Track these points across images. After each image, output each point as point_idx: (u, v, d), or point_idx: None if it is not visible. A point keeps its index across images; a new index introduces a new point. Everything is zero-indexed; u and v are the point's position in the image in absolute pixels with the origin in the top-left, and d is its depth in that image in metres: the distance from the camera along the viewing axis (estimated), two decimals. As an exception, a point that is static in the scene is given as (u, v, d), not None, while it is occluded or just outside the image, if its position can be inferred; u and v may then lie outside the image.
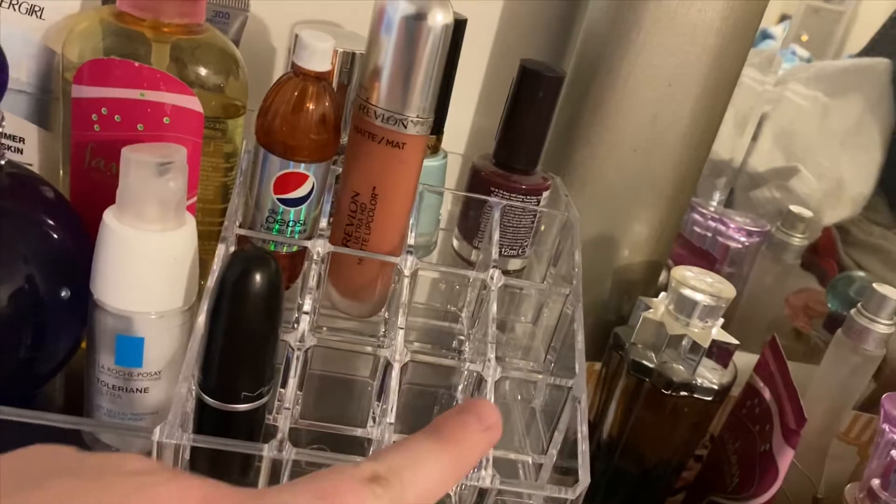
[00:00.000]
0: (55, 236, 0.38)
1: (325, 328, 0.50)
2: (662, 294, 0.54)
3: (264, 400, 0.38)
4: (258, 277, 0.33)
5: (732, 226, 0.75)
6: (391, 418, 0.39)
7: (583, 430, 0.40)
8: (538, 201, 0.50)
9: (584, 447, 0.40)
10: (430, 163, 0.50)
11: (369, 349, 0.43)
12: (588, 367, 0.62)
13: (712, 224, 0.75)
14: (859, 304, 0.57)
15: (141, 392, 0.38)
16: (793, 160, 0.82)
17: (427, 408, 0.52)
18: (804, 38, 0.84)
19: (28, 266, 0.37)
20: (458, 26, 0.47)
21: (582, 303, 0.45)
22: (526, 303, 0.54)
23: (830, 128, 0.83)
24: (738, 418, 0.56)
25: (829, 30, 0.85)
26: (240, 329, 0.35)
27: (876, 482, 0.49)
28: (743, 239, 0.75)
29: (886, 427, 0.48)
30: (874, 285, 0.57)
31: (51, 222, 0.38)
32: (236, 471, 0.39)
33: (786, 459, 0.49)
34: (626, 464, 0.58)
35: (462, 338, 0.56)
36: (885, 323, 0.56)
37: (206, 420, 0.37)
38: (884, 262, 0.80)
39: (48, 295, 0.37)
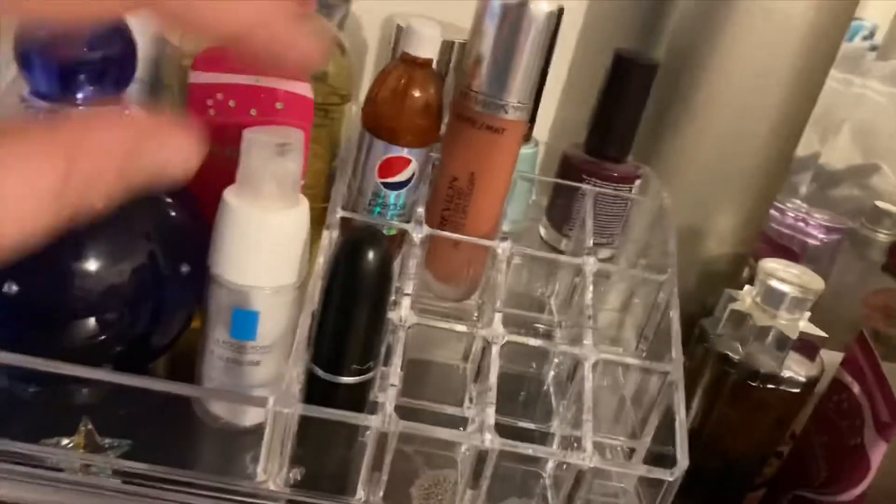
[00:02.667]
0: (174, 214, 0.40)
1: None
2: (748, 286, 0.54)
3: (371, 374, 0.39)
4: (371, 252, 0.35)
5: (812, 223, 0.74)
6: (492, 398, 0.40)
7: (681, 414, 0.41)
8: (630, 190, 0.51)
9: (682, 431, 0.40)
10: (522, 150, 0.51)
11: (467, 329, 0.43)
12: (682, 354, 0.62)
13: (791, 221, 0.74)
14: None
15: (253, 365, 0.39)
16: (872, 158, 0.81)
17: (514, 392, 0.52)
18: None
19: (150, 243, 0.39)
20: (556, 15, 0.47)
21: (676, 289, 0.45)
22: (613, 292, 0.54)
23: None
24: (825, 413, 0.55)
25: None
26: (352, 301, 0.36)
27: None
28: (822, 236, 0.74)
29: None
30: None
31: (170, 201, 0.40)
32: (342, 443, 0.41)
33: (878, 453, 0.49)
34: (707, 458, 0.57)
35: (540, 325, 0.56)
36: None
37: (314, 392, 0.39)
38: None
39: (168, 270, 0.39)
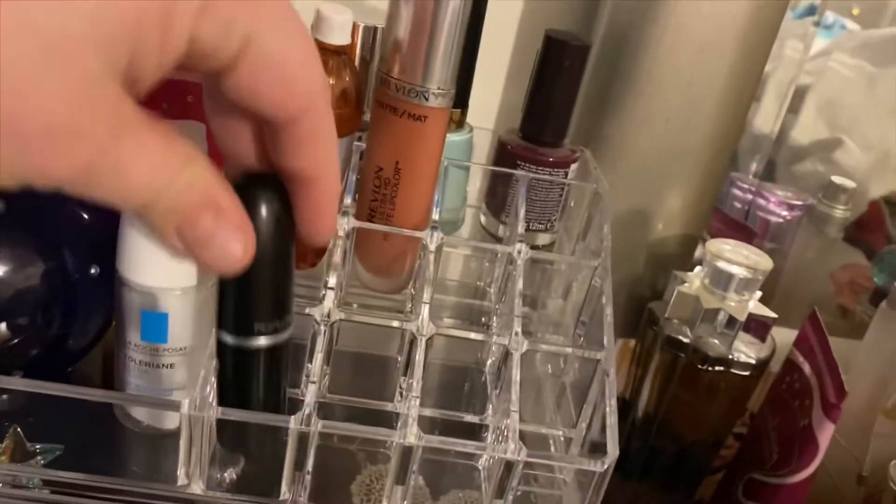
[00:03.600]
0: (83, 214, 0.39)
1: (354, 305, 0.50)
2: (698, 268, 0.53)
3: (286, 335, 0.36)
4: (264, 195, 0.32)
5: (773, 200, 0.73)
6: (417, 392, 0.39)
7: (611, 404, 0.40)
8: (566, 174, 0.50)
9: (612, 420, 0.39)
10: (454, 137, 0.50)
11: (395, 323, 0.42)
12: (622, 344, 0.61)
13: (752, 198, 0.73)
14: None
15: (168, 367, 0.38)
16: (838, 132, 0.80)
17: (458, 384, 0.52)
18: (855, 11, 0.81)
19: (58, 244, 0.38)
20: (478, -3, 0.46)
21: (611, 276, 0.44)
22: (557, 279, 0.53)
23: (878, 98, 0.80)
24: (778, 394, 0.54)
25: (881, 2, 0.82)
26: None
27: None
28: (784, 213, 0.73)
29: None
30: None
31: (79, 200, 0.39)
32: (266, 441, 0.39)
33: (826, 434, 0.48)
34: (662, 442, 0.57)
35: (486, 315, 0.56)
36: (933, 294, 0.54)
37: (225, 363, 0.35)
38: (935, 235, 0.77)
39: (77, 272, 0.38)
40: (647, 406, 0.56)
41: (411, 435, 0.37)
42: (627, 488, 0.59)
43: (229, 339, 0.34)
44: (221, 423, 0.37)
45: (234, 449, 0.38)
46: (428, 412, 0.47)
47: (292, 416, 0.37)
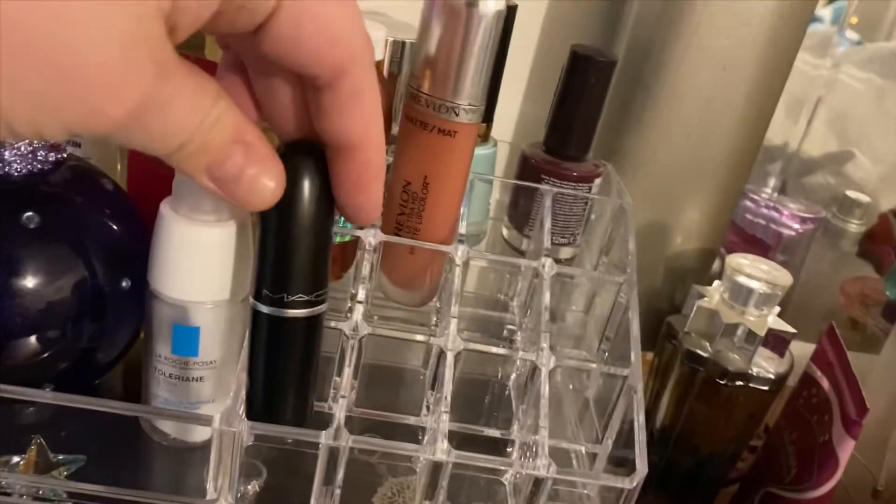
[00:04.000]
0: (115, 227, 0.39)
1: (376, 317, 0.50)
2: (717, 282, 0.54)
3: (322, 308, 0.34)
4: (307, 165, 0.30)
5: (786, 213, 0.73)
6: (446, 406, 0.39)
7: (639, 420, 0.40)
8: (590, 188, 0.50)
9: (640, 436, 0.39)
10: (479, 151, 0.50)
11: (422, 338, 0.42)
12: (642, 357, 0.61)
13: (765, 211, 0.73)
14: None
15: (197, 381, 0.38)
16: (847, 145, 0.80)
17: (479, 398, 0.52)
18: (854, 20, 0.81)
19: (89, 257, 0.38)
20: (509, 13, 0.46)
21: (636, 291, 0.44)
22: (577, 292, 0.53)
23: (886, 110, 0.81)
24: (796, 409, 0.55)
25: (879, 12, 0.82)
26: (291, 219, 0.31)
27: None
28: (797, 226, 0.74)
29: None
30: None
31: (110, 213, 0.39)
32: (294, 454, 0.39)
33: (846, 450, 0.48)
34: (679, 455, 0.57)
35: (512, 327, 0.56)
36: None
37: (258, 333, 0.34)
38: (945, 249, 0.77)
39: (108, 285, 0.38)
40: (665, 419, 0.56)
41: (440, 451, 0.37)
42: (643, 501, 0.59)
43: (265, 308, 0.33)
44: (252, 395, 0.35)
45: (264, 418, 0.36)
46: (451, 426, 0.47)
47: (323, 432, 0.37)
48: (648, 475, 0.57)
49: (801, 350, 0.55)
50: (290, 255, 0.32)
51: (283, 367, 0.33)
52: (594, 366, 0.43)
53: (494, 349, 0.42)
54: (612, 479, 0.38)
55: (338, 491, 0.39)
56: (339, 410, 0.37)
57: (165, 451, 0.41)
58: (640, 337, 0.44)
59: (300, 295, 0.33)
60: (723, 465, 0.57)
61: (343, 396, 0.38)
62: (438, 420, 0.39)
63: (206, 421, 0.35)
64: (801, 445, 0.52)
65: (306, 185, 0.31)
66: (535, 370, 0.42)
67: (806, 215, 0.74)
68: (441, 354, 0.41)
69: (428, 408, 0.45)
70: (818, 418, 0.51)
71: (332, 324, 0.41)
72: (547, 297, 0.43)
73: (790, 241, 0.73)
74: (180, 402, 0.39)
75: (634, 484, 0.38)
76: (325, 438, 0.37)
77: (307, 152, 0.31)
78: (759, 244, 0.71)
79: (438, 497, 0.39)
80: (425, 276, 0.46)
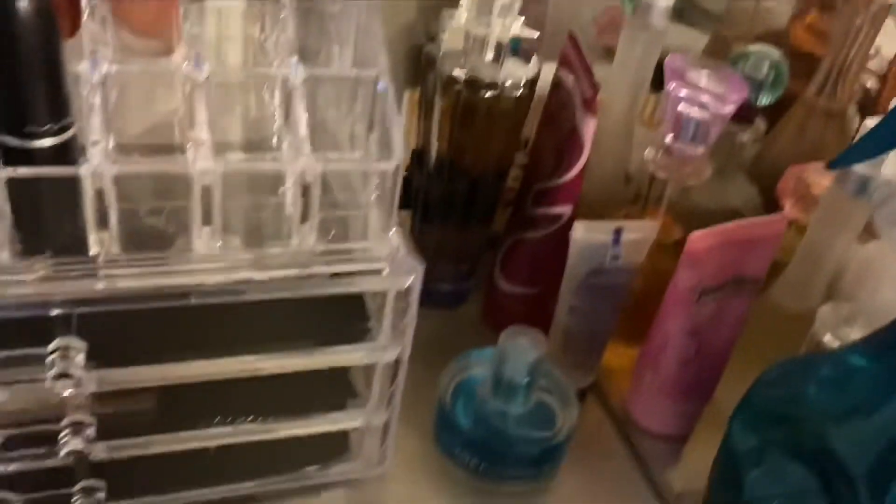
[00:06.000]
0: None
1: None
2: (464, 1, 0.56)
3: (70, 133, 0.36)
4: None
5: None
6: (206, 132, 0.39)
7: (391, 115, 0.42)
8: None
9: (396, 128, 0.42)
10: None
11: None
12: (409, 96, 0.64)
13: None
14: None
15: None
16: None
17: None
18: None
19: None
20: None
21: (384, 22, 0.45)
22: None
23: None
24: (548, 112, 0.60)
25: None
26: (13, 43, 0.32)
27: (669, 137, 0.55)
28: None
29: (673, 84, 0.53)
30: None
31: None
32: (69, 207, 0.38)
33: (589, 129, 0.54)
34: (455, 182, 0.61)
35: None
36: None
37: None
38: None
39: None
40: (439, 150, 0.60)
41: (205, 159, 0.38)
42: (431, 233, 0.63)
43: (13, 141, 0.33)
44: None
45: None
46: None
47: (82, 166, 0.37)
48: (433, 209, 0.61)
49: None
50: (19, 82, 0.33)
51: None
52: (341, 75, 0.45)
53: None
54: (375, 164, 0.41)
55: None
56: (98, 147, 0.37)
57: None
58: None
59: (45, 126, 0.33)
60: (495, 185, 0.62)
61: (96, 140, 0.38)
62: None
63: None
64: (555, 141, 0.58)
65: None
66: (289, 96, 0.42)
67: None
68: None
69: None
70: (566, 114, 0.57)
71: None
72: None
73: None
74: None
75: (394, 166, 0.41)
76: (84, 171, 0.37)
77: None
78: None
79: (215, 218, 0.40)
80: (168, 18, 0.45)
